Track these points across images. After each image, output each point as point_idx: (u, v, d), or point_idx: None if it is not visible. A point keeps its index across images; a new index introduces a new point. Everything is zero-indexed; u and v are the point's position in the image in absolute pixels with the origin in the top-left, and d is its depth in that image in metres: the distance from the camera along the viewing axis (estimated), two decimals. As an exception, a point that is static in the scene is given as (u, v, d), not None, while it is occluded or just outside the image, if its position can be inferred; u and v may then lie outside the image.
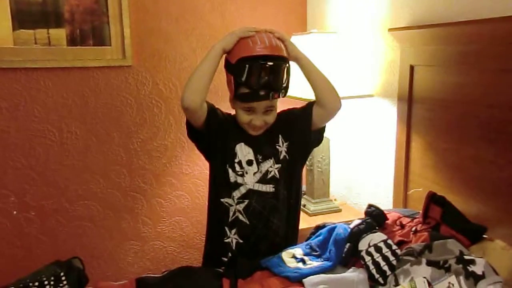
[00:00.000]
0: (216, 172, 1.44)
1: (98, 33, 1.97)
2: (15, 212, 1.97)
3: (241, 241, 1.39)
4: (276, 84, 1.29)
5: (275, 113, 1.38)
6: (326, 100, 1.36)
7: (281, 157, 1.41)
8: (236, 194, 1.38)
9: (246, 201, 1.37)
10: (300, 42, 1.92)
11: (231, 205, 1.38)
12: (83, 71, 1.98)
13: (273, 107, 1.35)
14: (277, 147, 1.41)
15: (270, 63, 1.25)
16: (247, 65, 1.25)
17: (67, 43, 1.92)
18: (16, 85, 1.89)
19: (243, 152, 1.38)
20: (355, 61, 1.93)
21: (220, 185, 1.41)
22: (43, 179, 2.00)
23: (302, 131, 1.41)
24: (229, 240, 1.39)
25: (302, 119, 1.40)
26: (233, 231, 1.39)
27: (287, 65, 1.32)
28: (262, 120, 1.34)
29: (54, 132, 1.99)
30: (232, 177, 1.37)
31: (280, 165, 1.40)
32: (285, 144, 1.42)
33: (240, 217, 1.38)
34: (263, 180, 1.38)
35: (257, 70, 1.25)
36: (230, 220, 1.39)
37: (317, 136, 1.46)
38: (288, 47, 1.34)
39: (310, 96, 1.77)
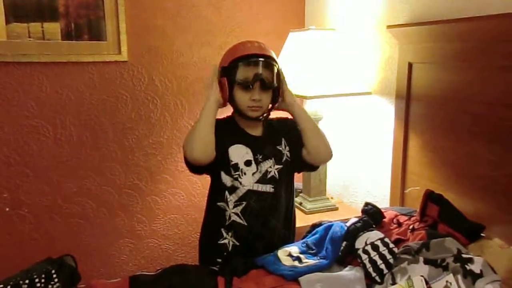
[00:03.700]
0: (211, 177, 1.43)
1: (94, 27, 1.95)
2: (7, 209, 1.94)
3: (237, 243, 1.38)
4: (267, 78, 1.33)
5: (269, 97, 1.36)
6: (312, 151, 1.38)
7: (284, 159, 1.41)
8: (233, 197, 1.36)
9: (244, 203, 1.36)
10: (298, 39, 1.91)
11: (227, 210, 1.37)
12: (78, 66, 1.96)
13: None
14: (279, 148, 1.41)
15: (261, 59, 1.32)
16: (240, 64, 1.32)
17: (61, 38, 1.90)
18: (9, 80, 1.87)
19: (240, 153, 1.37)
20: (353, 58, 1.92)
21: (215, 189, 1.41)
22: (36, 176, 1.97)
23: (295, 150, 1.42)
24: (225, 241, 1.39)
25: (297, 141, 1.41)
26: (230, 233, 1.38)
27: (277, 65, 1.36)
28: (259, 95, 1.32)
29: (48, 127, 1.96)
30: (227, 181, 1.36)
31: (281, 166, 1.40)
32: (287, 147, 1.42)
33: (237, 219, 1.37)
34: (262, 180, 1.37)
35: (250, 66, 1.31)
36: (226, 223, 1.38)
37: (307, 165, 1.45)
38: (284, 92, 1.37)
39: (307, 93, 1.77)
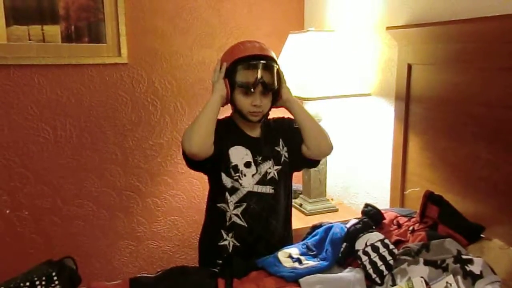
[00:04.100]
0: (211, 179, 1.43)
1: (94, 30, 1.95)
2: (8, 211, 1.95)
3: (238, 244, 1.38)
4: (268, 81, 1.33)
5: (269, 101, 1.37)
6: (312, 147, 1.37)
7: (282, 160, 1.41)
8: (233, 198, 1.36)
9: (244, 204, 1.36)
10: (297, 40, 1.92)
11: (227, 211, 1.37)
12: (78, 68, 1.96)
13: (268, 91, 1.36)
14: (277, 149, 1.41)
15: (263, 62, 1.31)
16: (240, 66, 1.31)
17: (61, 40, 1.90)
18: (10, 82, 1.87)
19: (240, 154, 1.37)
20: (352, 59, 1.92)
21: (216, 190, 1.41)
22: (36, 178, 1.97)
23: (293, 149, 1.42)
24: (225, 243, 1.39)
25: (294, 140, 1.41)
26: (230, 234, 1.38)
27: (278, 66, 1.36)
28: (260, 100, 1.33)
29: (48, 130, 1.96)
30: (227, 183, 1.36)
31: (280, 167, 1.40)
32: (285, 148, 1.42)
33: (238, 221, 1.37)
34: (262, 181, 1.37)
35: (251, 68, 1.30)
36: (227, 224, 1.38)
37: (307, 162, 1.44)
38: (281, 89, 1.36)
39: (307, 94, 1.77)
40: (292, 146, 1.42)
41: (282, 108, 1.43)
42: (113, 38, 1.98)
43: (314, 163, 1.47)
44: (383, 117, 1.84)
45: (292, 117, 1.47)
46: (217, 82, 1.33)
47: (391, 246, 1.22)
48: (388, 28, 1.72)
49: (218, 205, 1.39)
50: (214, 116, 1.31)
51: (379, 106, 1.87)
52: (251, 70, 1.31)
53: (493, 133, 1.31)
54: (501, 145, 1.29)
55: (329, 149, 1.40)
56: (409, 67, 1.62)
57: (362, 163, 2.01)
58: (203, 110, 1.31)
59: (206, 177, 1.46)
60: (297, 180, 2.09)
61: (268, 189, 1.38)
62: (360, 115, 2.00)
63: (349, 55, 1.91)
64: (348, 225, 1.35)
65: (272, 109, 1.42)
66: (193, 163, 1.34)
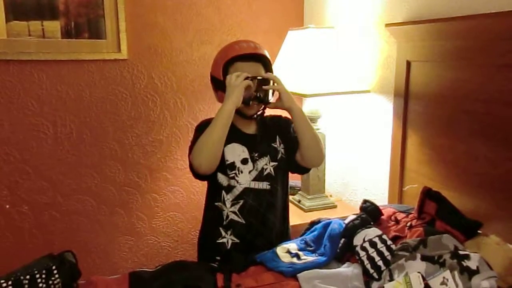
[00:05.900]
0: (208, 177, 1.43)
1: (93, 26, 1.95)
2: (7, 206, 1.95)
3: (237, 240, 1.39)
4: (264, 95, 1.33)
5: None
6: (307, 156, 1.38)
7: (279, 156, 1.42)
8: (230, 197, 1.37)
9: (241, 201, 1.37)
10: (296, 37, 1.92)
11: (224, 209, 1.38)
12: (78, 64, 1.96)
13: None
14: (274, 145, 1.42)
15: (259, 77, 1.32)
16: (237, 64, 1.32)
17: (61, 36, 1.90)
18: (10, 78, 1.87)
19: (236, 151, 1.37)
20: (351, 56, 1.92)
21: (212, 189, 1.42)
22: (36, 173, 1.98)
23: (289, 150, 1.42)
24: (224, 240, 1.39)
25: (291, 142, 1.41)
26: (229, 232, 1.39)
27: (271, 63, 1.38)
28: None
29: (48, 125, 1.97)
30: (223, 181, 1.37)
31: (276, 163, 1.41)
32: (282, 145, 1.43)
33: (235, 218, 1.38)
34: (259, 177, 1.38)
35: (246, 64, 1.31)
36: (224, 223, 1.39)
37: (298, 168, 1.45)
38: (283, 97, 1.34)
39: (306, 91, 1.77)
40: (289, 147, 1.42)
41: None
42: (112, 34, 1.98)
43: (305, 170, 1.49)
44: (382, 114, 1.84)
45: (289, 117, 1.48)
46: (237, 86, 1.26)
47: (389, 242, 1.22)
48: (387, 25, 1.72)
49: (216, 203, 1.40)
50: (225, 132, 1.27)
51: (378, 103, 1.87)
52: (246, 67, 1.31)
53: (491, 129, 1.32)
54: (499, 142, 1.30)
55: (320, 161, 1.44)
56: (408, 64, 1.63)
57: (361, 160, 2.02)
58: (214, 126, 1.26)
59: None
60: (296, 176, 2.10)
61: (264, 185, 1.39)
62: (359, 112, 2.00)
63: (348, 52, 1.91)
64: (346, 221, 1.35)
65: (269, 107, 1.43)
66: (200, 176, 1.36)
